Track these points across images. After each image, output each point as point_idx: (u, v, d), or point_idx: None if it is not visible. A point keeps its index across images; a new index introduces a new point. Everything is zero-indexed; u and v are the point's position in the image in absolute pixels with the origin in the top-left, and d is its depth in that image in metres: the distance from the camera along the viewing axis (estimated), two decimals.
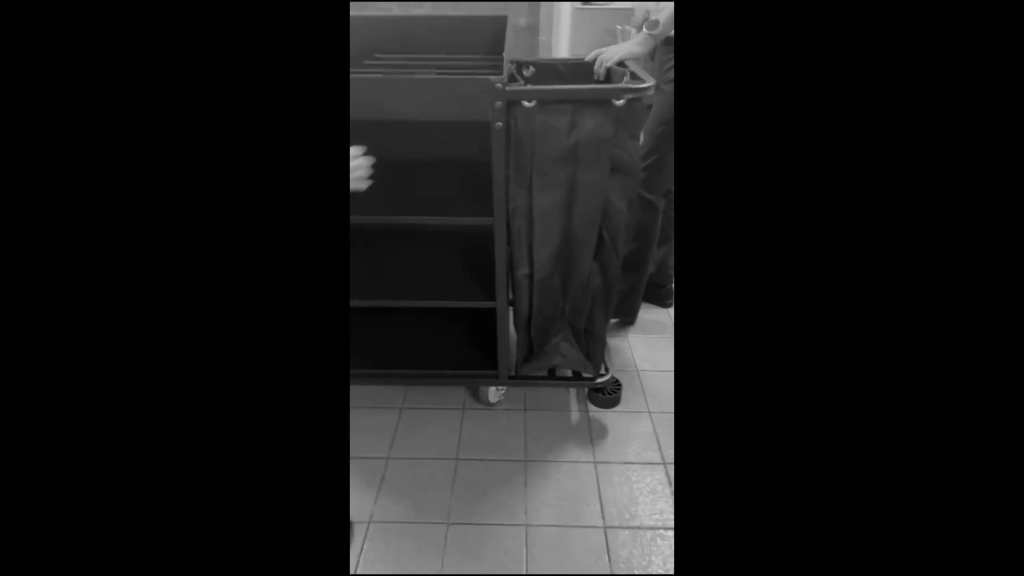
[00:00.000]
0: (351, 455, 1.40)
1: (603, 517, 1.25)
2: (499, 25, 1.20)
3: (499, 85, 1.03)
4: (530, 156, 1.12)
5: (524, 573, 1.14)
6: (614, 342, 1.81)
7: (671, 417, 1.53)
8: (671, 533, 1.22)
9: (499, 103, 1.04)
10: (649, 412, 1.54)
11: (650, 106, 1.47)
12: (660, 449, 1.42)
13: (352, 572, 1.14)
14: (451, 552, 1.17)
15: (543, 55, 2.40)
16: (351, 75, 1.10)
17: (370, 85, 1.09)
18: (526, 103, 1.06)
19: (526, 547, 1.18)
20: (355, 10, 1.89)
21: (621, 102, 1.07)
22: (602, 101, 1.07)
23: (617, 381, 1.48)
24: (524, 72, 1.39)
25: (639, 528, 1.22)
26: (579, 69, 1.36)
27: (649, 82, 1.10)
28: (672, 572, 1.14)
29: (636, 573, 1.13)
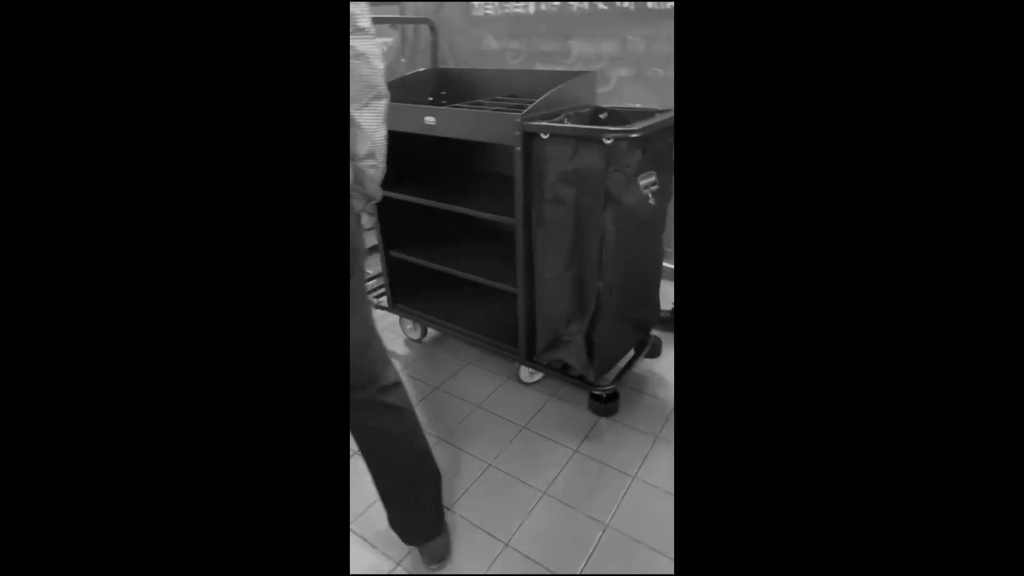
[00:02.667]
0: (417, 377, 1.91)
1: (546, 482, 1.47)
2: (570, 76, 1.55)
3: (518, 120, 1.39)
4: (543, 175, 1.44)
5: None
6: (662, 372, 1.90)
7: (670, 447, 1.59)
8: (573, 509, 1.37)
9: (517, 133, 1.41)
10: (655, 437, 1.62)
11: None
12: (638, 467, 1.52)
13: None
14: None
15: None
16: (449, 108, 1.60)
17: (447, 115, 1.57)
18: (542, 136, 1.39)
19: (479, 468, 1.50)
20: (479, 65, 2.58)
21: (609, 141, 1.31)
22: (595, 139, 1.33)
23: (616, 394, 1.63)
24: (600, 115, 1.67)
25: (560, 500, 1.41)
26: (641, 115, 1.57)
27: (637, 126, 1.31)
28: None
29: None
